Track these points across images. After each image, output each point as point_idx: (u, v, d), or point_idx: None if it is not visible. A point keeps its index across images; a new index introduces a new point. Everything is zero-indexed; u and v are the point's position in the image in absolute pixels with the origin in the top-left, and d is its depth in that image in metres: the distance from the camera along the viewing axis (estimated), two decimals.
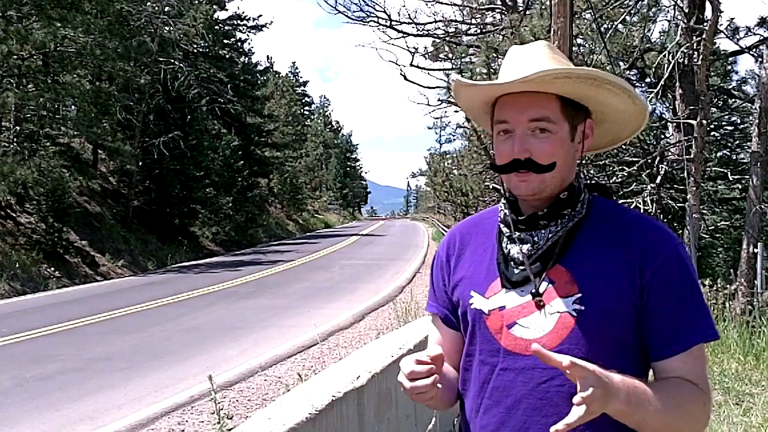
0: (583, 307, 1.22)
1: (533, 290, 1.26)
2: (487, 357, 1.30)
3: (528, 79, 1.21)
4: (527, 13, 11.86)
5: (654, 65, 11.19)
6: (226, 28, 34.96)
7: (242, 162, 32.97)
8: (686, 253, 1.29)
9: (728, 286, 8.12)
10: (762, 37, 11.93)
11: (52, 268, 16.21)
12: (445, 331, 1.43)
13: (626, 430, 1.20)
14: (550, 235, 1.28)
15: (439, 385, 1.22)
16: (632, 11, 12.25)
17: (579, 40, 11.84)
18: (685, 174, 10.05)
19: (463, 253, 1.41)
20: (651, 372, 1.30)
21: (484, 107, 1.36)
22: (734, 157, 15.44)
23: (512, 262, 1.30)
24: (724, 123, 15.85)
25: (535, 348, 1.10)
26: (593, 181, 1.43)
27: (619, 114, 1.35)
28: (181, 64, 26.46)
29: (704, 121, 9.90)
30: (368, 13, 17.01)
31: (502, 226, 1.35)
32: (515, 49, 1.35)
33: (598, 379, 1.07)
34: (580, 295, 1.23)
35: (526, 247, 1.29)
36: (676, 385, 1.21)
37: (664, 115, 14.48)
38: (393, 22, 16.78)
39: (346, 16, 17.14)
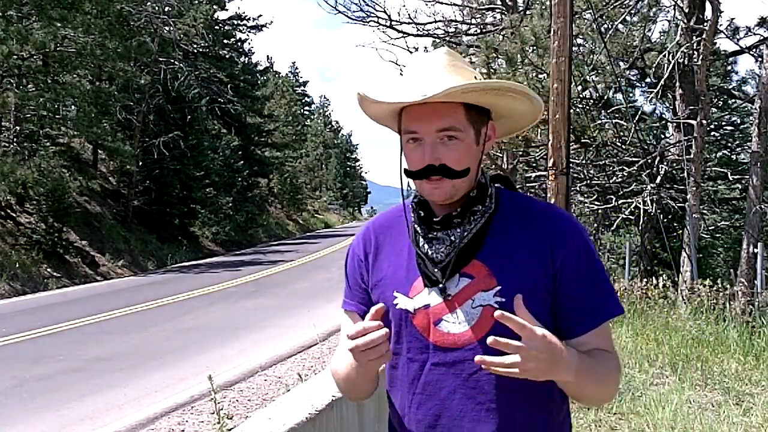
0: (504, 299, 1.27)
1: (441, 292, 1.31)
2: (416, 354, 1.34)
3: (437, 98, 1.24)
4: (527, 13, 11.86)
5: (654, 65, 11.19)
6: (226, 28, 34.95)
7: (242, 162, 32.97)
8: (589, 237, 1.38)
9: (729, 287, 8.13)
10: (762, 37, 11.93)
11: (52, 268, 16.22)
12: None
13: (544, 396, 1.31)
14: (465, 233, 1.33)
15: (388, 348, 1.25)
16: (632, 11, 12.25)
17: (579, 40, 11.84)
18: (685, 174, 10.06)
19: (380, 253, 1.44)
20: None
21: (392, 115, 1.38)
22: (734, 157, 15.44)
23: (431, 262, 1.34)
24: (724, 123, 15.86)
25: (498, 314, 1.15)
26: (494, 173, 1.46)
27: (518, 113, 1.40)
28: (181, 64, 26.46)
29: (704, 121, 9.91)
30: (368, 13, 16.99)
31: (416, 226, 1.38)
32: (416, 58, 1.42)
33: (547, 345, 1.15)
34: (500, 287, 1.29)
35: (442, 248, 1.33)
36: (604, 358, 1.31)
37: (664, 115, 14.48)
38: (393, 22, 16.76)
39: (346, 16, 17.08)
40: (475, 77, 1.33)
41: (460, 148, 1.30)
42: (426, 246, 1.35)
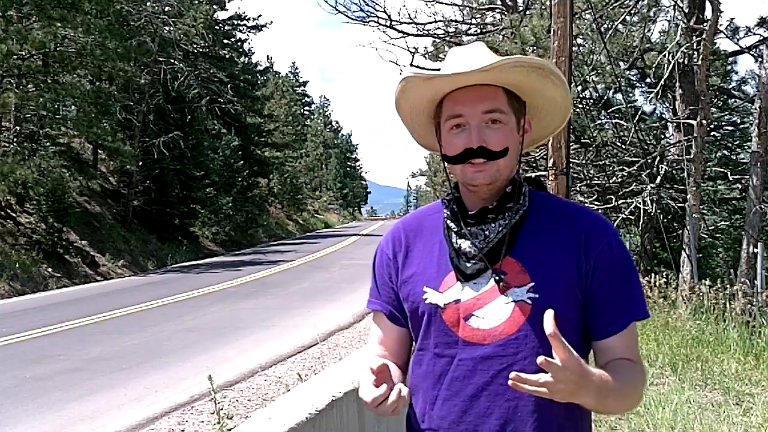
0: (537, 295, 1.28)
1: (496, 277, 1.30)
2: (444, 349, 1.34)
3: (491, 67, 1.26)
4: (527, 13, 11.86)
5: (654, 65, 11.19)
6: (226, 28, 34.97)
7: (242, 162, 32.98)
8: (620, 240, 1.37)
9: (729, 287, 8.12)
10: (762, 37, 11.94)
11: (52, 268, 16.22)
12: (388, 327, 1.47)
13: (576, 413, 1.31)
14: (499, 228, 1.33)
15: (403, 394, 1.24)
16: (632, 11, 12.24)
17: (579, 40, 11.85)
18: (685, 174, 10.06)
19: (411, 251, 1.44)
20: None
21: (429, 106, 1.39)
22: (734, 157, 15.43)
23: (464, 256, 1.34)
24: (724, 123, 15.84)
25: (550, 327, 1.11)
26: (525, 176, 1.48)
27: (552, 106, 1.42)
28: (181, 64, 26.47)
29: (704, 121, 9.90)
30: (368, 13, 17.03)
31: (449, 222, 1.39)
32: (455, 49, 1.39)
33: (579, 369, 1.13)
34: (533, 283, 1.29)
35: (476, 242, 1.33)
36: (629, 373, 1.28)
37: (664, 115, 14.48)
38: (393, 22, 16.79)
39: (346, 16, 17.14)
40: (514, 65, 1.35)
41: (504, 131, 1.32)
42: (459, 241, 1.36)
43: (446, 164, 1.39)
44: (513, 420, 1.28)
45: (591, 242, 1.31)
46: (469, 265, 1.33)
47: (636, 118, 11.83)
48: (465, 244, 1.34)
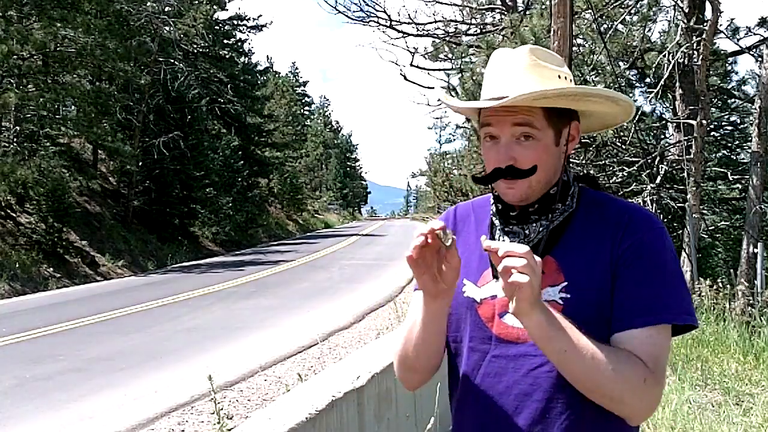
0: (569, 295, 1.26)
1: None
2: (478, 344, 1.34)
3: (504, 105, 1.25)
4: (527, 13, 11.86)
5: (654, 65, 11.19)
6: (226, 28, 34.95)
7: (242, 162, 32.99)
8: (667, 240, 1.30)
9: (729, 287, 8.12)
10: (762, 37, 11.94)
11: (52, 268, 16.22)
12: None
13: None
14: (540, 229, 1.32)
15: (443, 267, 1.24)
16: (632, 11, 12.25)
17: (579, 40, 11.85)
18: (685, 174, 10.05)
19: (458, 238, 1.42)
20: None
21: (473, 108, 1.39)
22: (734, 157, 15.42)
23: None
24: (724, 123, 15.82)
25: (485, 244, 1.15)
26: (582, 173, 1.45)
27: (604, 113, 1.38)
28: (181, 64, 26.48)
29: (704, 121, 9.90)
30: (368, 14, 17.05)
31: (494, 218, 1.39)
32: (499, 55, 1.36)
33: (539, 276, 1.14)
34: (566, 283, 1.27)
35: (518, 240, 1.33)
36: (617, 350, 1.21)
37: (664, 115, 14.48)
38: (393, 22, 16.80)
39: (346, 16, 17.18)
40: (559, 76, 1.32)
41: (536, 148, 1.29)
42: (501, 238, 1.36)
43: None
44: (541, 421, 1.26)
45: (625, 236, 1.27)
46: None
47: (636, 118, 11.83)
48: (506, 242, 1.34)
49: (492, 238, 1.37)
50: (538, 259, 1.14)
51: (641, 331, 1.22)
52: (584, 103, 1.32)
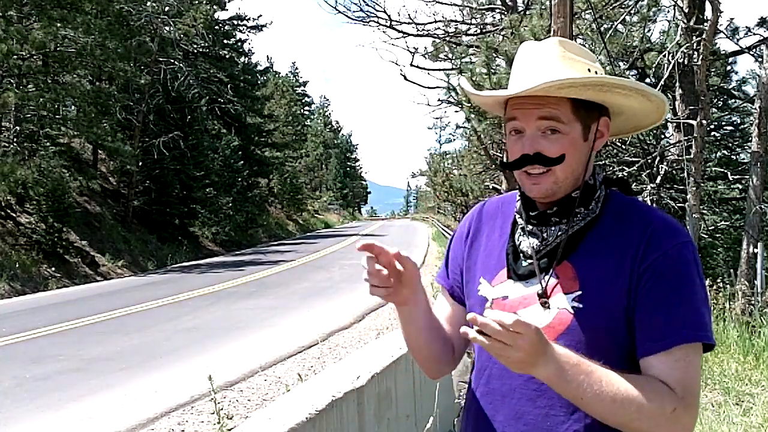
0: (581, 305, 1.22)
1: (539, 291, 1.26)
2: None
3: (531, 92, 1.21)
4: (527, 13, 11.86)
5: (654, 65, 11.19)
6: (226, 28, 34.98)
7: (242, 162, 33.00)
8: (692, 252, 1.24)
9: (729, 287, 8.11)
10: (762, 37, 11.93)
11: (52, 268, 16.22)
12: (450, 302, 1.48)
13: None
14: (559, 233, 1.28)
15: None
16: (632, 11, 12.25)
17: (579, 40, 11.84)
18: (685, 174, 10.05)
19: (479, 236, 1.43)
20: None
21: (499, 104, 1.35)
22: (734, 157, 15.42)
23: (521, 255, 1.32)
24: (724, 123, 15.84)
25: (471, 317, 1.06)
26: (614, 176, 1.41)
27: (635, 110, 1.33)
28: (181, 64, 26.48)
29: (704, 121, 9.89)
30: (368, 14, 17.04)
31: (518, 216, 1.37)
32: (527, 47, 1.33)
33: (531, 341, 1.06)
34: (580, 292, 1.23)
35: (534, 242, 1.30)
36: (638, 380, 1.15)
37: None
38: (393, 23, 16.80)
39: (346, 16, 17.16)
40: (589, 69, 1.28)
41: (562, 142, 1.25)
42: (520, 238, 1.33)
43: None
44: (541, 428, 1.23)
45: (649, 249, 1.21)
46: (524, 264, 1.30)
47: None
48: (525, 243, 1.31)
49: (512, 235, 1.35)
50: (533, 325, 1.06)
51: (666, 356, 1.17)
52: (613, 96, 1.27)
